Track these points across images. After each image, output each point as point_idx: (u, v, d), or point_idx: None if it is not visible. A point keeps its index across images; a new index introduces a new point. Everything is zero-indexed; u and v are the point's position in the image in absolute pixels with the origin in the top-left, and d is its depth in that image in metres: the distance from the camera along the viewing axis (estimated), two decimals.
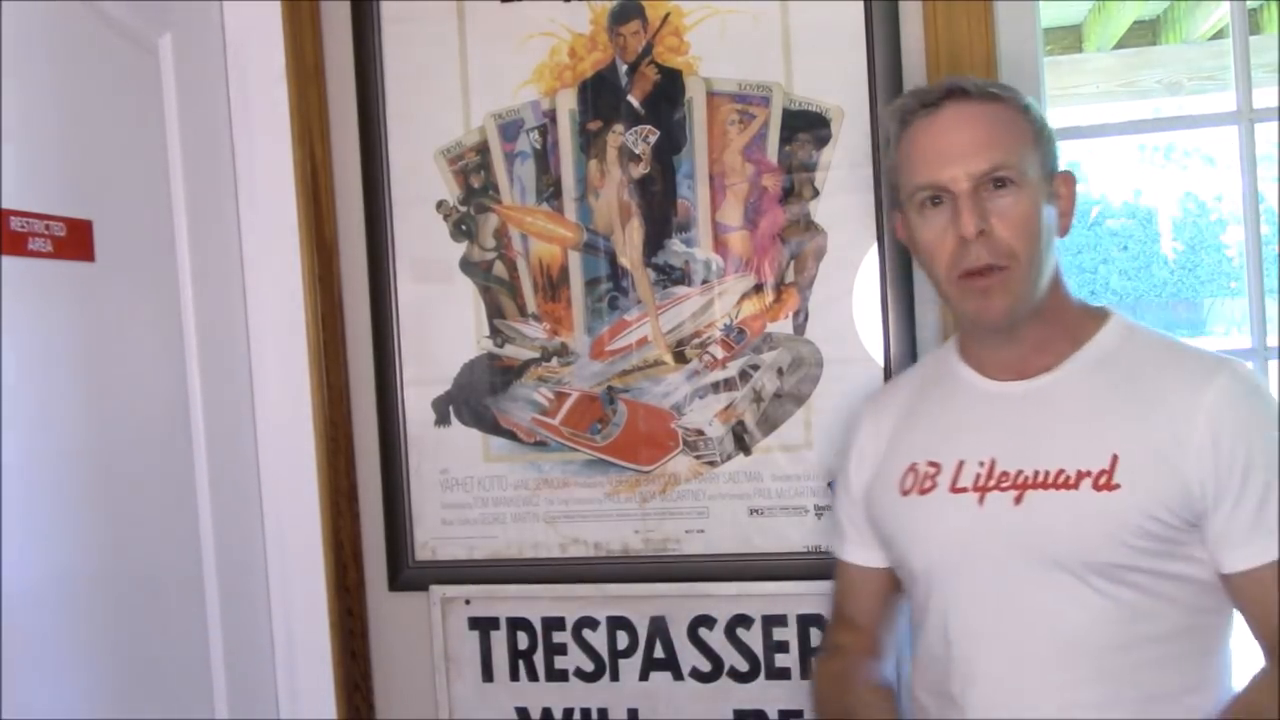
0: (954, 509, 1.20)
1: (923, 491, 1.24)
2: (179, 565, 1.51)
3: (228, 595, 1.57)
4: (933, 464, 1.24)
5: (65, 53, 1.33)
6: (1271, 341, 1.55)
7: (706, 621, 1.63)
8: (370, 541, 1.76)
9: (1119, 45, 3.42)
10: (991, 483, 1.19)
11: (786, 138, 1.59)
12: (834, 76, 1.57)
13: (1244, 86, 1.55)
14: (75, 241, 1.31)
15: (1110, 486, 1.13)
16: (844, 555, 1.39)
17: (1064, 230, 1.22)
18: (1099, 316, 1.24)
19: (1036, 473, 1.17)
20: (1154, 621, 1.13)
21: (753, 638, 1.62)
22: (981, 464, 1.20)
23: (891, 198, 1.31)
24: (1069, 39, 3.64)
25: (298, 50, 1.69)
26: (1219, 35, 3.24)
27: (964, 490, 1.20)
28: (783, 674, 1.61)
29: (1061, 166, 1.24)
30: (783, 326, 1.61)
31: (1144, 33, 3.60)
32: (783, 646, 1.61)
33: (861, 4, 1.56)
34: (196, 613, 1.53)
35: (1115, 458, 1.14)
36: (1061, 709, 1.14)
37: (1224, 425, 1.12)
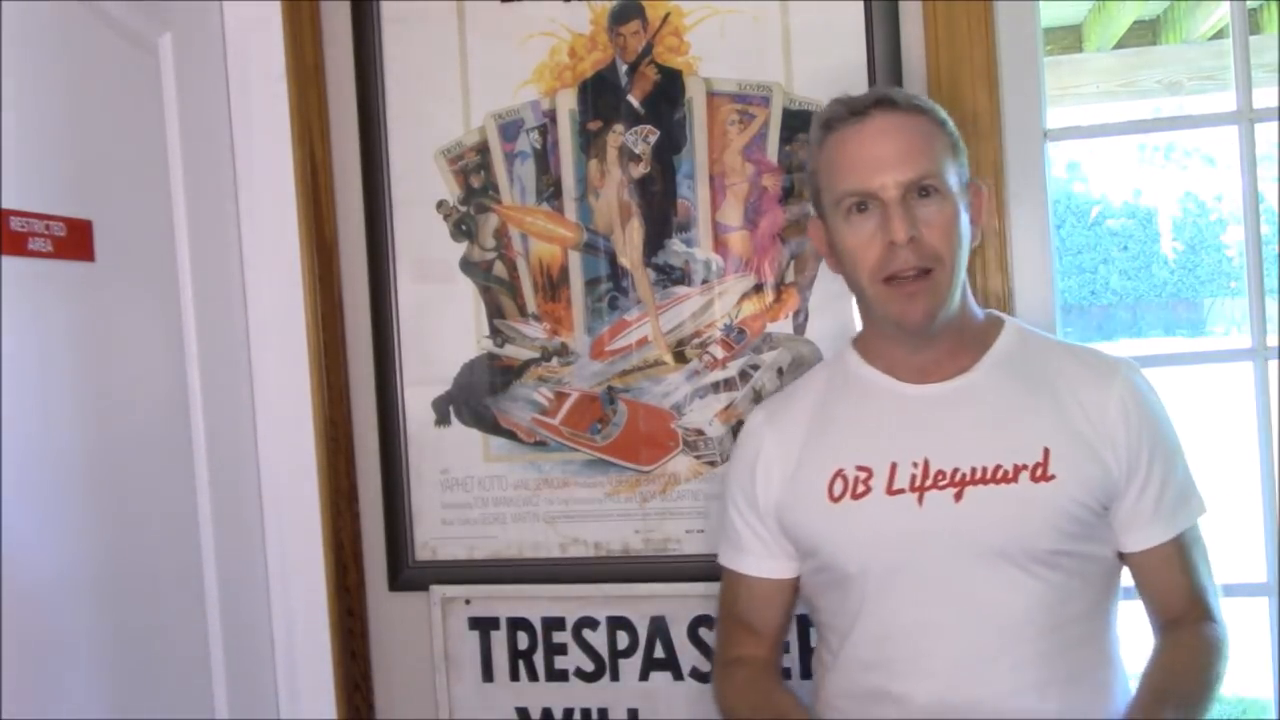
0: (893, 511, 1.23)
1: (856, 496, 1.26)
2: (179, 565, 1.51)
3: (228, 595, 1.57)
4: (862, 468, 1.26)
5: (65, 53, 1.33)
6: (1271, 341, 1.55)
7: (706, 621, 1.63)
8: (370, 541, 1.76)
9: (1119, 45, 3.43)
10: (929, 482, 1.23)
11: (786, 138, 1.59)
12: (834, 76, 1.57)
13: (1244, 86, 1.55)
14: (75, 241, 1.31)
15: (1046, 477, 1.20)
16: (745, 569, 1.38)
17: (975, 238, 1.28)
18: (996, 322, 1.32)
19: (974, 469, 1.22)
20: (1077, 601, 1.22)
21: None
22: (915, 465, 1.24)
23: (813, 203, 1.34)
24: (1069, 39, 3.64)
25: (298, 50, 1.69)
26: (1219, 35, 3.25)
27: (901, 492, 1.24)
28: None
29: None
30: (783, 326, 1.61)
31: (1144, 33, 3.60)
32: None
33: (861, 4, 1.56)
34: (196, 613, 1.53)
35: (1047, 450, 1.21)
36: (1009, 694, 1.19)
37: (1131, 415, 1.23)
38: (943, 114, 1.26)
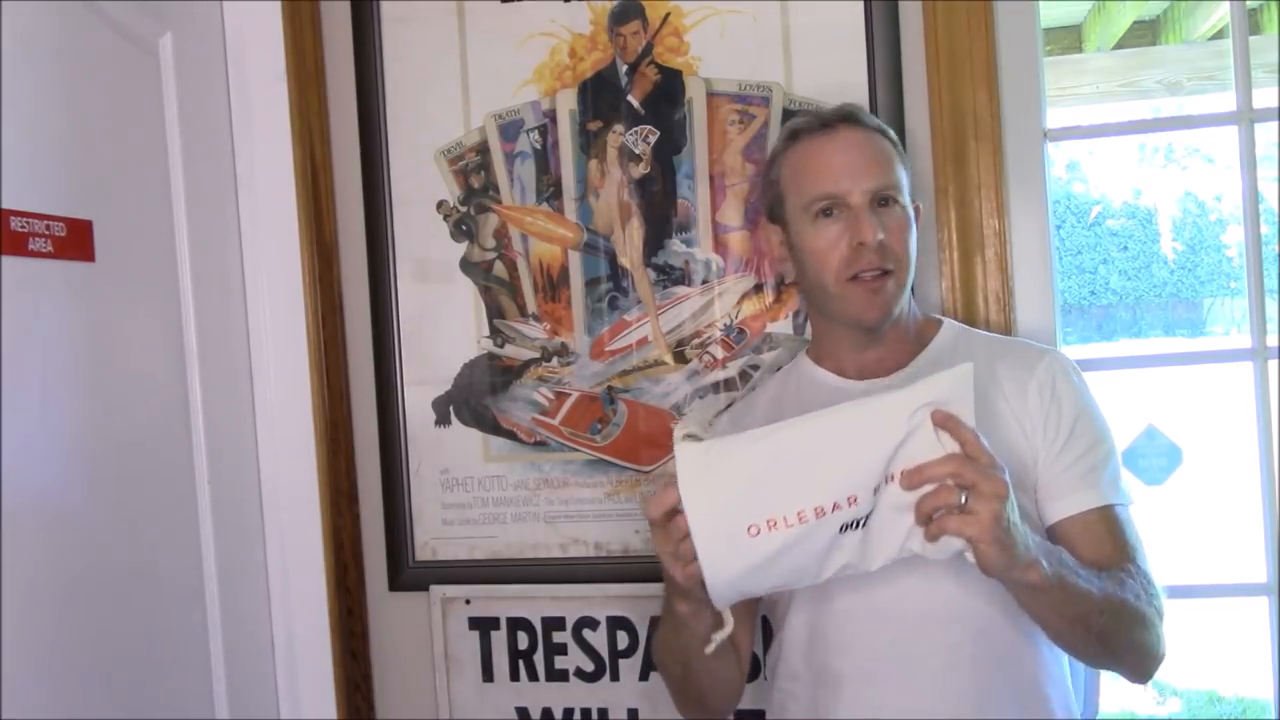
0: None
1: None
2: (179, 565, 1.51)
3: (228, 595, 1.57)
4: None
5: (65, 53, 1.33)
6: (1271, 341, 1.55)
7: None
8: (370, 541, 1.76)
9: (1119, 45, 3.43)
10: None
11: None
12: (834, 76, 1.57)
13: (1244, 86, 1.55)
14: (75, 241, 1.31)
15: None
16: None
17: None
18: (935, 323, 1.39)
19: None
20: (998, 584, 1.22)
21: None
22: None
23: (769, 210, 1.38)
24: (1069, 39, 3.65)
25: (298, 50, 1.69)
26: (1219, 35, 3.25)
27: None
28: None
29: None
30: (783, 326, 1.61)
31: (1144, 33, 3.60)
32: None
33: (861, 4, 1.56)
34: (196, 613, 1.53)
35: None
36: (939, 671, 1.22)
37: (1047, 393, 1.28)
38: (894, 137, 1.35)
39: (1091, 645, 1.18)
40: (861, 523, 1.04)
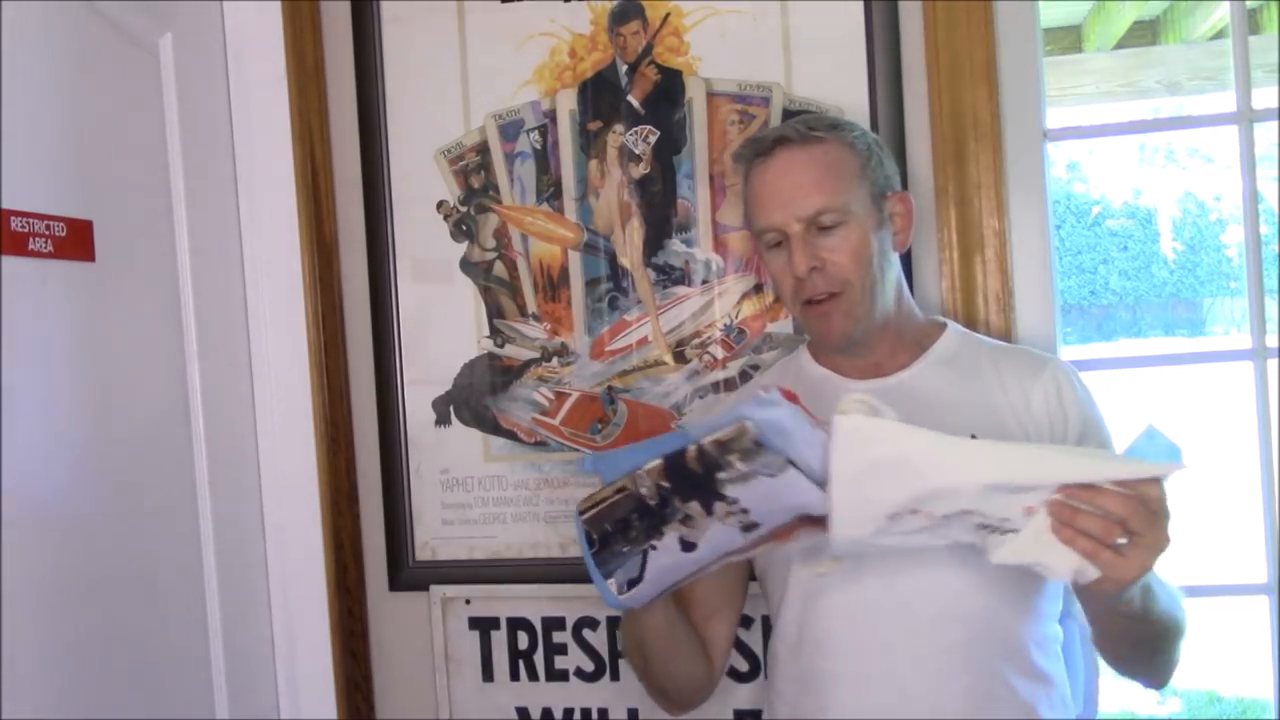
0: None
1: None
2: (179, 565, 1.51)
3: (228, 595, 1.57)
4: None
5: (65, 53, 1.33)
6: (1271, 341, 1.55)
7: None
8: (370, 541, 1.76)
9: (1119, 45, 3.43)
10: None
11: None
12: (834, 76, 1.57)
13: (1244, 86, 1.55)
14: (75, 241, 1.31)
15: None
16: None
17: (901, 245, 1.32)
18: (938, 326, 1.37)
19: None
20: (1008, 587, 1.23)
21: (753, 638, 1.61)
22: None
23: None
24: (1069, 39, 3.65)
25: (298, 50, 1.69)
26: (1219, 35, 3.25)
27: None
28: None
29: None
30: (783, 326, 1.61)
31: (1144, 33, 3.60)
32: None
33: (861, 4, 1.56)
34: (196, 613, 1.53)
35: (973, 439, 1.21)
36: (933, 674, 1.22)
37: (1054, 405, 1.27)
38: (852, 133, 1.30)
39: (1135, 654, 1.20)
40: (998, 529, 1.03)
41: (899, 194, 1.32)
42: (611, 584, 1.14)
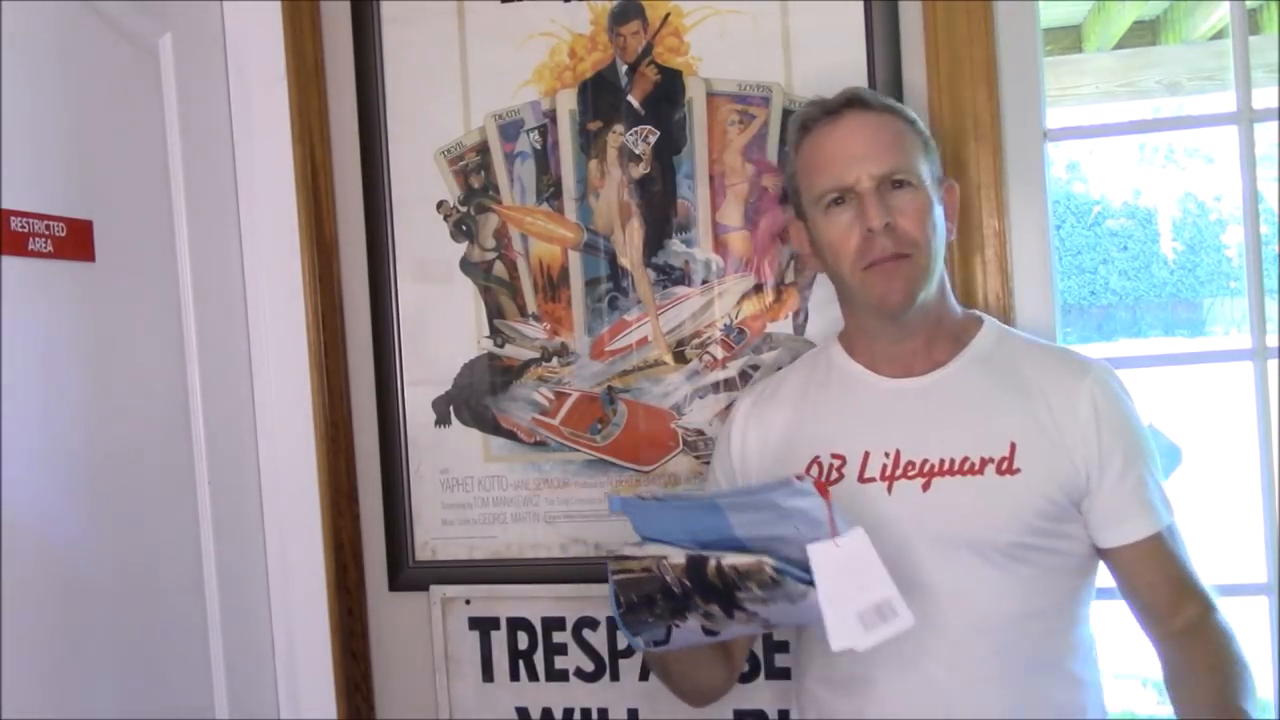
0: (863, 498, 1.26)
1: (830, 482, 1.28)
2: (179, 565, 1.51)
3: (228, 595, 1.57)
4: (837, 456, 1.29)
5: (65, 53, 1.34)
6: (1271, 341, 1.55)
7: None
8: (370, 541, 1.76)
9: (1119, 45, 3.43)
10: (899, 472, 1.26)
11: (786, 138, 1.59)
12: (834, 76, 1.56)
13: (1244, 86, 1.54)
14: (75, 241, 1.31)
15: (1012, 471, 1.23)
16: None
17: (950, 233, 1.32)
18: (976, 320, 1.35)
19: (942, 461, 1.25)
20: (1044, 595, 1.23)
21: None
22: (887, 455, 1.27)
23: (794, 207, 1.37)
24: (1069, 39, 3.65)
25: (298, 50, 1.69)
26: (1219, 35, 3.25)
27: (872, 480, 1.27)
28: (783, 674, 1.61)
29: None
30: (783, 326, 1.61)
31: (1144, 33, 3.60)
32: (783, 646, 1.61)
33: (861, 4, 1.56)
34: (196, 613, 1.53)
35: (1013, 445, 1.24)
36: (969, 682, 1.21)
37: (1102, 412, 1.25)
38: (911, 114, 1.31)
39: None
40: None
41: (948, 183, 1.33)
42: (639, 639, 1.18)
